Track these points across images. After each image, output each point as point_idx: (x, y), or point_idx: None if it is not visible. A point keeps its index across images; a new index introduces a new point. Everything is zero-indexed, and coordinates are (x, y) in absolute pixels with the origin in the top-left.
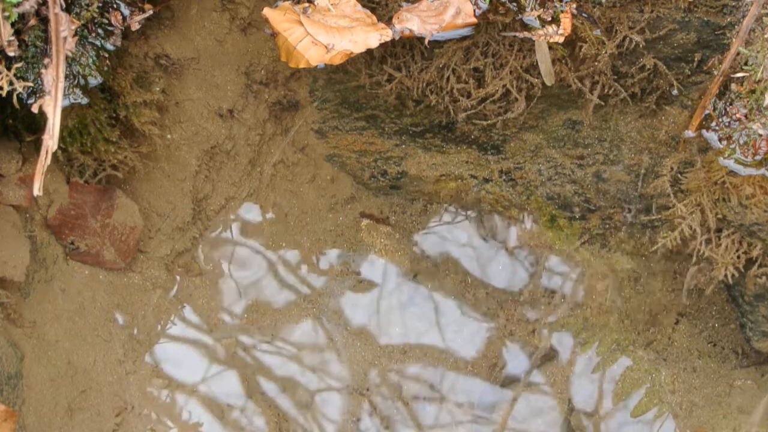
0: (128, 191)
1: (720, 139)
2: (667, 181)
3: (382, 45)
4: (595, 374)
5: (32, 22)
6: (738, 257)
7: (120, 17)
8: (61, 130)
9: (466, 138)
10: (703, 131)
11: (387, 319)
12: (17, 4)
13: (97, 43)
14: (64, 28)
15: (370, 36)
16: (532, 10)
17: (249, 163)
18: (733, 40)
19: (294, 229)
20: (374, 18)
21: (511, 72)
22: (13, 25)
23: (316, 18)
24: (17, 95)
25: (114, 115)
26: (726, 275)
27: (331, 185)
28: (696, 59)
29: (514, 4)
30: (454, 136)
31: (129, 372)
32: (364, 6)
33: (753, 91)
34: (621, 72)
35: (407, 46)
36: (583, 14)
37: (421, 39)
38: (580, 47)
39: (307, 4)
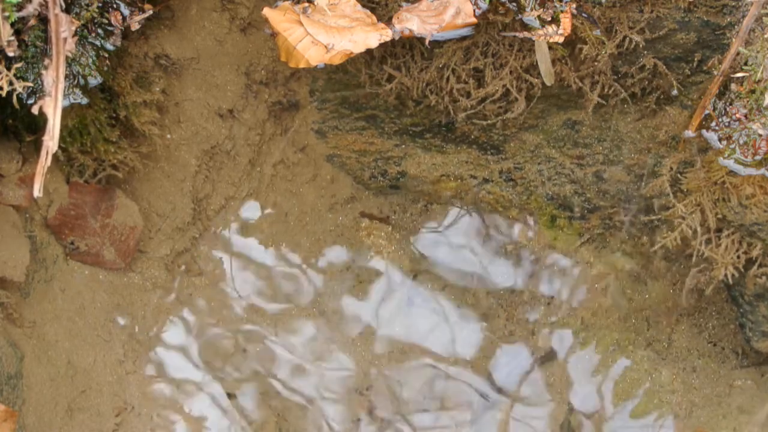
0: (128, 191)
1: (720, 139)
2: (667, 181)
3: (382, 45)
4: (594, 374)
5: (32, 22)
6: (738, 257)
7: (120, 17)
8: (61, 130)
9: (466, 138)
10: (703, 131)
11: (387, 319)
12: (19, 8)
13: (97, 43)
14: (64, 29)
15: (370, 36)
16: (532, 10)
17: (249, 163)
18: (733, 40)
19: (294, 229)
20: (374, 18)
21: (511, 72)
22: (12, 25)
23: (315, 18)
24: (17, 95)
25: (114, 115)
26: (726, 275)
27: (331, 185)
28: (696, 59)
29: (514, 4)
30: (454, 136)
31: (129, 372)
32: (364, 6)
33: (753, 91)
34: (621, 72)
35: (407, 46)
36: (583, 14)
37: (421, 39)
38: (580, 47)
39: (306, 4)
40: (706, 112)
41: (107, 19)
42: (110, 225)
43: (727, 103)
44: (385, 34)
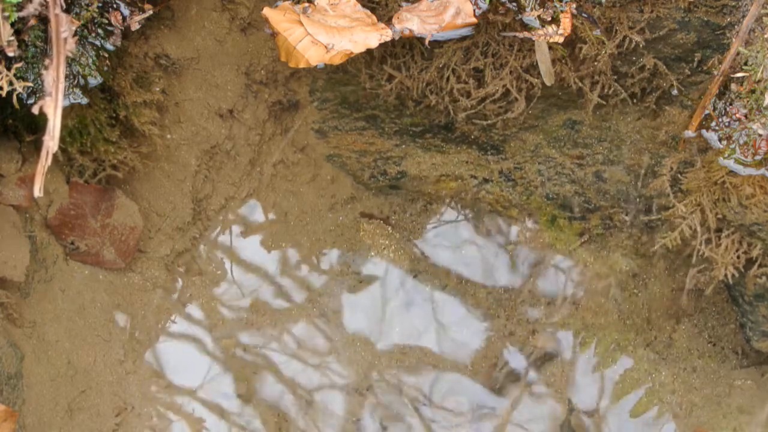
0: (128, 191)
1: (720, 139)
2: (667, 181)
3: (382, 45)
4: (595, 374)
5: (32, 22)
6: (738, 257)
7: (120, 17)
8: (61, 130)
9: (466, 138)
10: (703, 131)
11: (387, 320)
12: (19, 8)
13: (97, 43)
14: (64, 29)
15: (370, 36)
16: (532, 10)
17: (249, 163)
18: (733, 40)
19: (294, 229)
20: (374, 18)
21: (511, 72)
22: (12, 25)
23: (316, 18)
24: (17, 95)
25: (114, 115)
26: (726, 275)
27: (331, 185)
28: (696, 59)
29: (514, 4)
30: (454, 136)
31: (129, 372)
32: (364, 6)
33: (753, 91)
34: (621, 72)
35: (407, 46)
36: (583, 14)
37: (421, 39)
38: (580, 47)
39: (307, 4)
40: (706, 112)
41: (107, 19)
42: (110, 225)
43: (727, 103)
44: (385, 34)
